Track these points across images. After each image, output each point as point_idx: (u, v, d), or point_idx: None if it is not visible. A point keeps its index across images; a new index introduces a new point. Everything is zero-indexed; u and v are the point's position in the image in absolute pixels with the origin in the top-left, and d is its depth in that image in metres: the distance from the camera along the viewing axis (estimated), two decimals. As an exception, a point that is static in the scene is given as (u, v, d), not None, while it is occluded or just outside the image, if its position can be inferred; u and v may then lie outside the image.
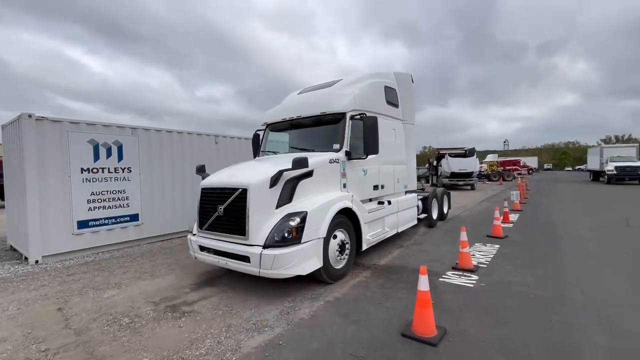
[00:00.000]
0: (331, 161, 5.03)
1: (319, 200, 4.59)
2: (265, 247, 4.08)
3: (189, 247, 5.17)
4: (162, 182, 8.00)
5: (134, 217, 7.44)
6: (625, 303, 3.79)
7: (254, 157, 6.44)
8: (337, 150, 5.21)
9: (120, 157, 7.21)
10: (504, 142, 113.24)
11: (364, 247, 5.35)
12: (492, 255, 5.81)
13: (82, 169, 6.63)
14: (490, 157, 43.64)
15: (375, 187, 6.01)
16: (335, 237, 4.73)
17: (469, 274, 4.85)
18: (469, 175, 22.04)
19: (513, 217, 9.79)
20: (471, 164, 22.18)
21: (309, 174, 4.65)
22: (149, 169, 7.71)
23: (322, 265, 4.41)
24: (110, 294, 4.55)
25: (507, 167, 39.76)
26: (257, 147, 6.42)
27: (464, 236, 5.15)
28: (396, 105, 6.86)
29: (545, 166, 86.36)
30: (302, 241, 4.17)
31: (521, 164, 45.69)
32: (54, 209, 6.27)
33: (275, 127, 6.28)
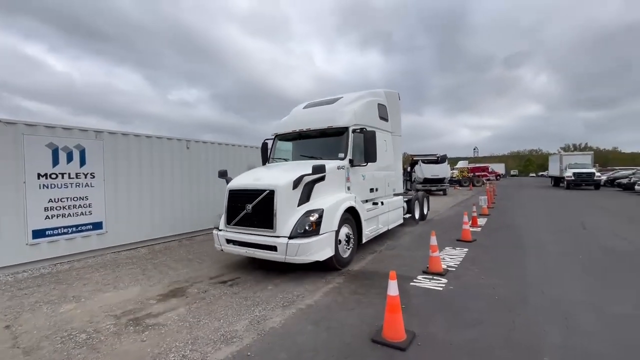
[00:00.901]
0: (338, 168, 5.90)
1: (331, 200, 5.45)
2: (290, 237, 4.88)
3: (214, 241, 5.85)
4: (129, 188, 7.63)
5: (97, 226, 7.02)
6: (580, 301, 4.02)
7: (263, 163, 7.22)
8: (342, 159, 6.05)
9: (82, 162, 6.81)
10: (474, 149, 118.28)
11: (364, 240, 6.27)
12: (460, 259, 5.99)
13: (39, 175, 6.19)
14: (461, 164, 45.48)
15: (371, 190, 7.00)
16: (342, 231, 5.52)
17: (438, 278, 4.96)
18: (441, 181, 22.77)
19: (481, 221, 10.18)
20: (443, 170, 22.93)
21: (322, 178, 5.43)
22: (114, 174, 7.33)
23: (334, 253, 5.23)
24: (66, 309, 4.24)
25: (477, 173, 41.53)
26: (265, 154, 7.24)
27: (434, 241, 5.28)
28: (386, 120, 7.85)
29: (512, 172, 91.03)
30: (320, 233, 4.99)
31: (490, 170, 47.87)
32: (5, 217, 5.79)
33: (284, 137, 7.07)
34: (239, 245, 5.43)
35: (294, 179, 5.15)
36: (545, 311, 3.78)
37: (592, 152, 30.37)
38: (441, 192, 22.97)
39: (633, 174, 25.97)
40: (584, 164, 26.24)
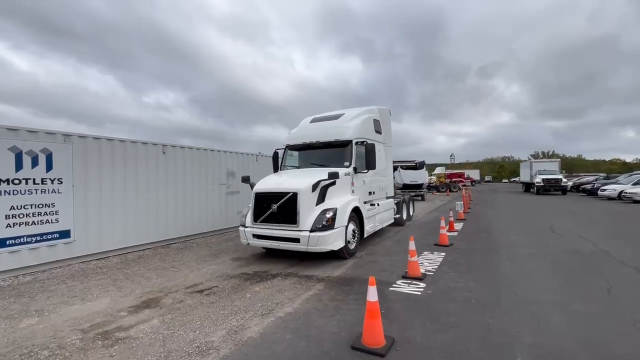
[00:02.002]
0: (345, 174, 6.89)
1: (341, 201, 6.48)
2: (311, 231, 5.87)
3: (241, 236, 6.78)
4: (101, 194, 7.29)
5: (65, 234, 6.65)
6: (550, 301, 4.19)
7: (275, 170, 8.11)
8: (348, 167, 7.08)
9: (49, 167, 6.45)
10: (450, 155, 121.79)
11: (365, 235, 7.31)
12: (438, 263, 6.11)
13: (0, 180, 5.82)
14: (438, 170, 46.65)
15: (370, 193, 8.04)
16: (349, 227, 6.47)
17: (417, 282, 5.03)
18: (419, 186, 23.25)
19: (458, 225, 10.46)
20: (421, 176, 23.46)
21: (334, 183, 6.40)
22: (84, 180, 6.99)
23: (344, 244, 6.26)
24: (28, 324, 3.96)
25: (454, 179, 42.83)
26: (276, 162, 8.22)
27: (412, 245, 5.36)
28: (380, 133, 8.97)
29: (486, 178, 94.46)
30: (335, 227, 6.00)
31: (465, 177, 49.48)
32: (-39, 226, 5.38)
33: (294, 147, 8.09)
34: (265, 239, 6.38)
35: (313, 183, 6.19)
36: (517, 312, 3.91)
37: (559, 159, 32.10)
38: (419, 198, 23.44)
39: (596, 180, 27.62)
40: (552, 170, 27.67)
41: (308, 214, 6.04)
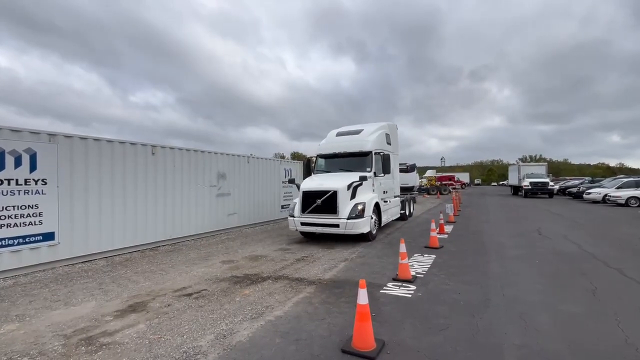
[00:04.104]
0: (368, 178, 8.76)
1: (367, 197, 8.45)
2: (348, 219, 7.84)
3: (289, 224, 8.69)
4: (87, 195, 7.12)
5: (48, 236, 6.46)
6: (537, 302, 4.25)
7: (307, 174, 10.15)
8: (369, 172, 8.97)
9: (33, 167, 6.27)
10: (441, 159, 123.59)
11: (382, 224, 9.55)
12: (428, 265, 6.15)
13: (-20, 181, 5.63)
14: (429, 173, 47.17)
15: (384, 192, 10.00)
16: (372, 217, 8.52)
17: (407, 285, 5.05)
18: (410, 189, 23.37)
19: (448, 228, 10.56)
20: (412, 179, 23.62)
21: (361, 184, 8.35)
22: (70, 181, 6.82)
23: (370, 230, 8.25)
24: (7, 329, 3.83)
25: (444, 182, 43.32)
26: (308, 167, 10.37)
27: (403, 248, 5.37)
28: (390, 144, 10.94)
29: (476, 181, 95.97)
30: (364, 216, 8.01)
31: (455, 180, 50.10)
32: (-62, 228, 5.18)
33: (324, 156, 10.01)
34: (311, 225, 8.34)
35: (347, 184, 8.06)
36: (505, 313, 3.95)
37: (547, 163, 32.71)
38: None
39: (581, 183, 28.28)
40: (539, 174, 28.22)
41: (345, 206, 7.92)
